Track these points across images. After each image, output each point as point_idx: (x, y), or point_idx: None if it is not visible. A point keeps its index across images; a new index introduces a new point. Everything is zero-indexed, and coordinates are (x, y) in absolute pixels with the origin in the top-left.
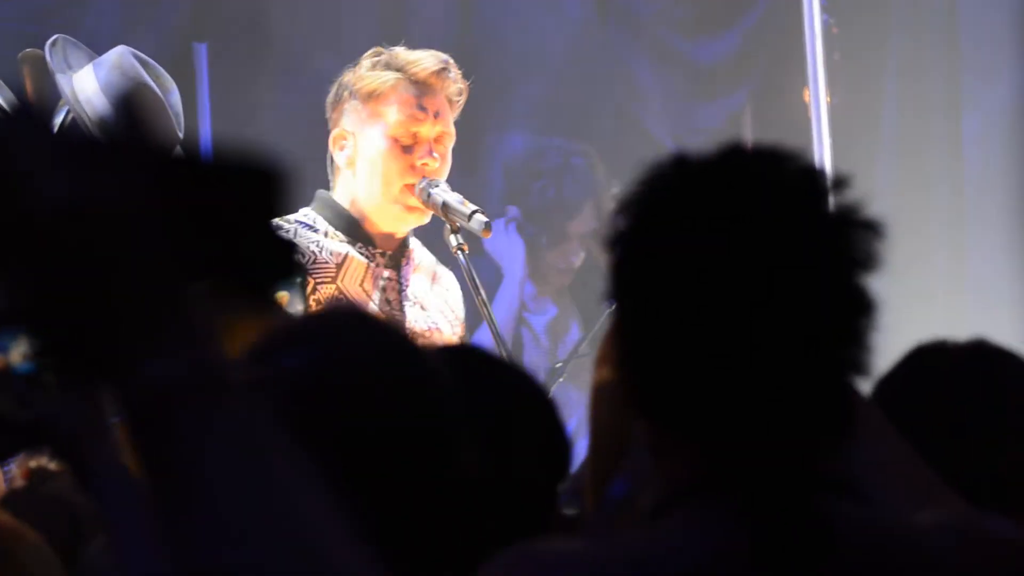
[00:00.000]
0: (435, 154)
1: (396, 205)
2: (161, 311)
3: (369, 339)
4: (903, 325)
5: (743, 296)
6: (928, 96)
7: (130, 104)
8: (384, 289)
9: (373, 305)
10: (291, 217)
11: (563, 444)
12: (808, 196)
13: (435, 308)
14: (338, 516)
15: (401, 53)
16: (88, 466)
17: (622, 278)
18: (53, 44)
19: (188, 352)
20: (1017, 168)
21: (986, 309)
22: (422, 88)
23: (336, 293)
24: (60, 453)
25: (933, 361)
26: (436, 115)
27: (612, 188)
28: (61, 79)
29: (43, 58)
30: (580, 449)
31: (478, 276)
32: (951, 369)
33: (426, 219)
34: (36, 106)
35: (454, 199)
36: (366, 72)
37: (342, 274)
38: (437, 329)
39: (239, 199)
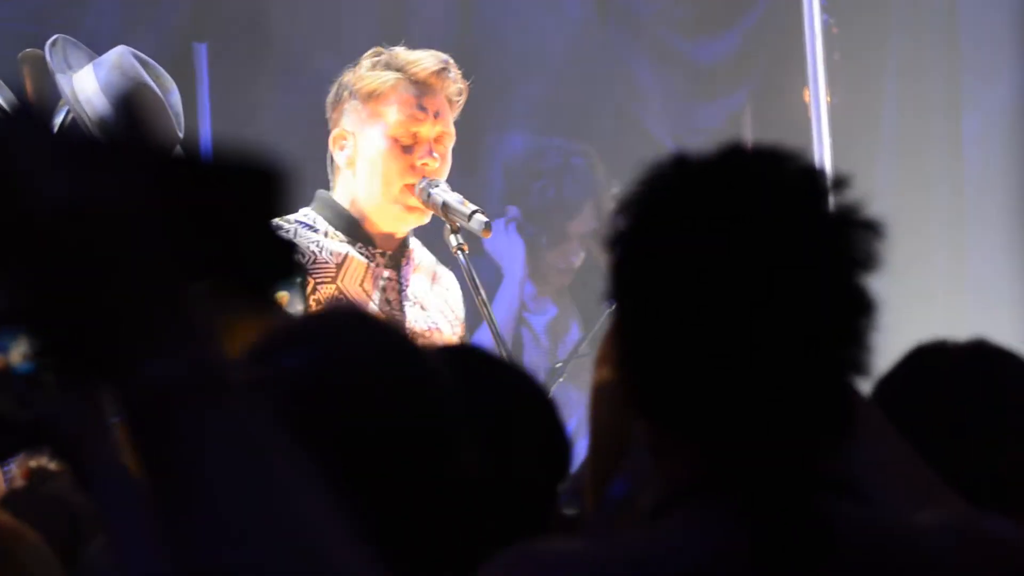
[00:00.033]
0: (435, 154)
1: (396, 205)
2: (161, 311)
3: (369, 339)
4: (903, 325)
5: (743, 296)
6: (928, 96)
7: (130, 104)
8: (384, 289)
9: (373, 305)
10: (291, 217)
11: (563, 444)
12: (808, 196)
13: (435, 308)
14: (338, 516)
15: (401, 53)
16: (88, 466)
17: (622, 278)
18: (53, 44)
19: (188, 352)
20: (1017, 168)
21: (986, 309)
22: (422, 88)
23: (336, 293)
24: (60, 453)
25: (933, 361)
26: (436, 115)
27: (612, 188)
28: (61, 79)
29: (43, 58)
30: (580, 449)
31: (478, 276)
32: (951, 369)
33: (426, 219)
34: (36, 106)
35: (454, 199)
36: (366, 72)
37: (342, 274)
38: (437, 329)
39: (239, 199)
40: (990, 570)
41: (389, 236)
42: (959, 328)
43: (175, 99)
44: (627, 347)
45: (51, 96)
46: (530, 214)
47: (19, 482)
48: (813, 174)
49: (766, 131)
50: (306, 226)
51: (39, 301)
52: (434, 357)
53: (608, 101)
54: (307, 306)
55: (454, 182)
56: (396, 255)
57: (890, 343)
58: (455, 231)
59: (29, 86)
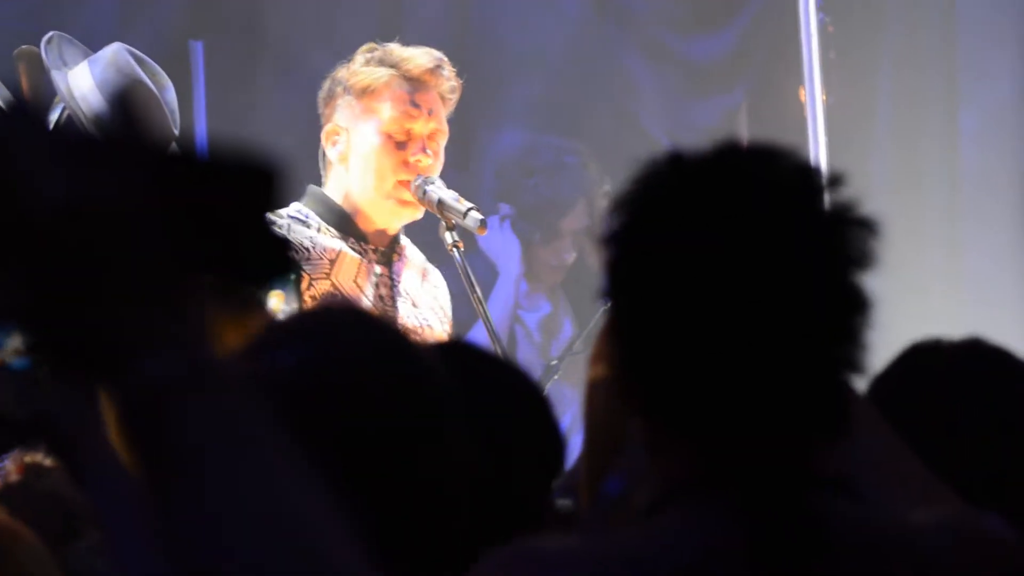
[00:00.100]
0: (428, 151)
1: (389, 200)
2: (159, 309)
3: (365, 337)
4: (899, 322)
5: (738, 294)
6: (924, 93)
7: (126, 101)
8: (377, 285)
9: (366, 301)
10: (283, 212)
11: (558, 441)
12: (803, 194)
13: (426, 305)
14: (337, 515)
15: (395, 49)
16: (83, 463)
17: (617, 275)
18: (48, 41)
19: (186, 350)
20: (1014, 165)
21: (983, 306)
22: (415, 85)
23: (331, 288)
24: (55, 449)
25: (928, 360)
26: (430, 112)
27: (605, 186)
28: (56, 76)
29: (38, 55)
30: (575, 446)
31: (473, 274)
32: (946, 368)
33: (419, 214)
34: (32, 103)
35: (450, 196)
36: (360, 68)
37: (336, 270)
38: (428, 326)
39: (235, 197)
40: (986, 569)
41: (381, 232)
42: (955, 325)
43: (171, 96)
44: (622, 344)
45: (47, 93)
46: (523, 211)
47: (14, 478)
48: (808, 172)
49: (762, 129)
50: (299, 221)
51: (36, 299)
52: (429, 354)
53: (604, 99)
54: (302, 302)
55: (447, 179)
56: (388, 251)
57: (886, 340)
58: (450, 228)
59: (25, 83)
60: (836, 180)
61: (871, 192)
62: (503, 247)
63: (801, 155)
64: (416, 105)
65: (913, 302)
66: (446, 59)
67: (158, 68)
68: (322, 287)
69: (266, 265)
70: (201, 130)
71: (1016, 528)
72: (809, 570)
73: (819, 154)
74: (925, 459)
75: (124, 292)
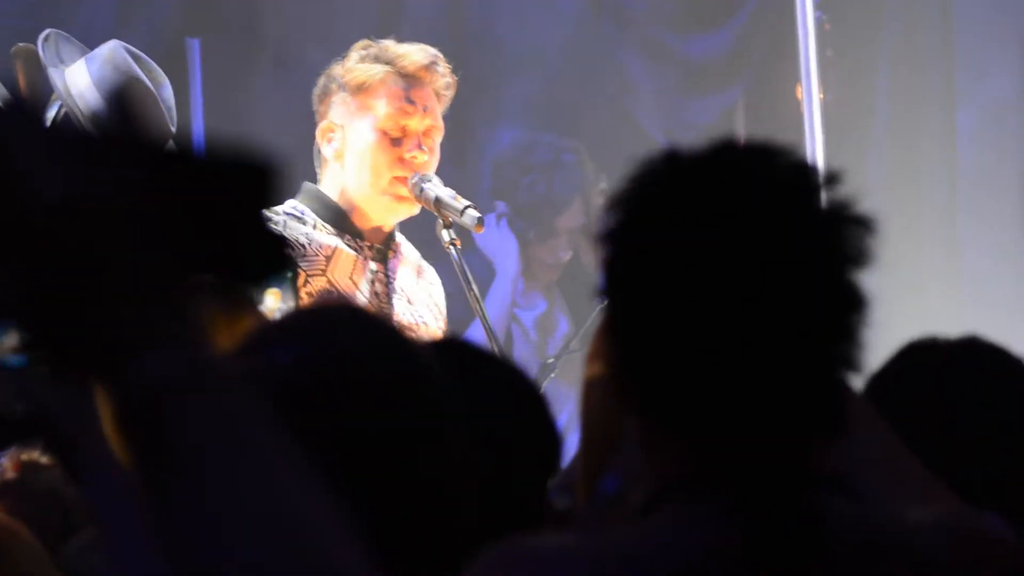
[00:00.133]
0: (424, 147)
1: (385, 196)
2: (157, 307)
3: (362, 334)
4: (896, 320)
5: (734, 292)
6: (922, 92)
7: (122, 98)
8: (372, 282)
9: (362, 298)
10: (279, 209)
11: (554, 439)
12: (800, 192)
13: (421, 302)
14: (337, 515)
15: (390, 46)
16: (81, 460)
17: (613, 274)
18: (45, 39)
19: (186, 350)
20: (1011, 163)
21: (980, 304)
22: (411, 81)
23: (327, 285)
24: (52, 447)
25: (925, 358)
26: (425, 109)
27: (600, 184)
28: (53, 73)
29: (35, 53)
30: (571, 444)
31: (470, 271)
32: (943, 366)
33: (415, 210)
34: (29, 101)
35: (447, 194)
36: (355, 64)
37: (331, 266)
38: (424, 323)
39: (232, 194)
40: (983, 567)
41: (377, 229)
42: (953, 324)
43: (167, 94)
44: (618, 343)
45: (43, 91)
46: (519, 209)
47: (11, 475)
48: (805, 170)
49: (759, 127)
50: (295, 218)
51: (35, 297)
52: (426, 352)
53: (601, 97)
54: (299, 299)
55: (444, 176)
56: (383, 248)
57: (883, 339)
58: (447, 226)
59: (22, 81)
60: (833, 178)
61: (868, 190)
62: (500, 245)
63: (798, 153)
64: (411, 101)
65: (910, 300)
66: (441, 56)
67: (155, 66)
68: (318, 284)
69: (263, 263)
70: (198, 128)
71: (1014, 526)
72: (806, 569)
73: (816, 152)
74: (922, 457)
75: (123, 291)
